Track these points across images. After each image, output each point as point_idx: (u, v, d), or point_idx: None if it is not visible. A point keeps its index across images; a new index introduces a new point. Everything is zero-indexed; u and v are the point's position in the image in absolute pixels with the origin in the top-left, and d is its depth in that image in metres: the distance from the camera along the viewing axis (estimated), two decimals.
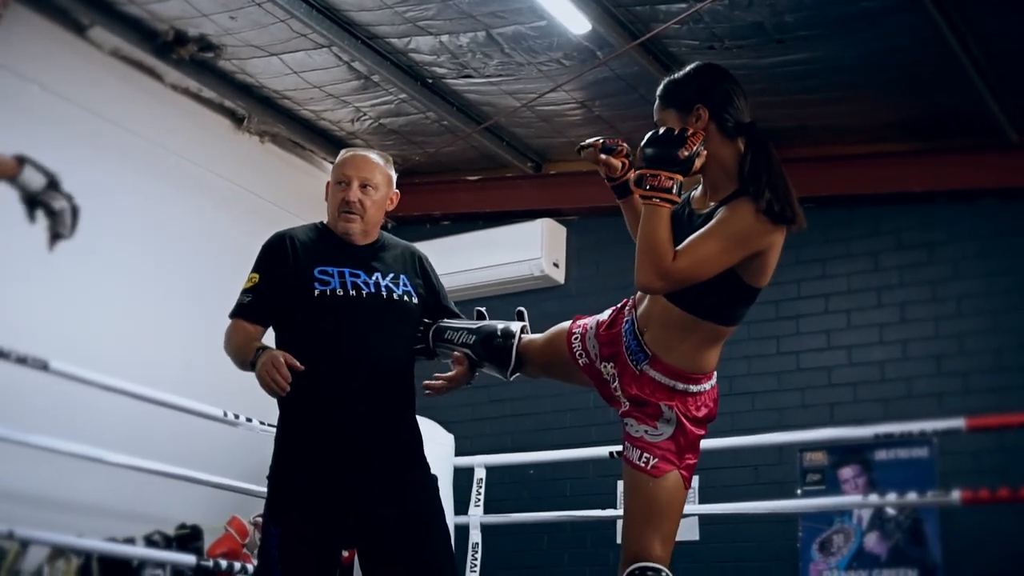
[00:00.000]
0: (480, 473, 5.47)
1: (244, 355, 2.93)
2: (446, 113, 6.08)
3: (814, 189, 5.65)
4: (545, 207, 6.59)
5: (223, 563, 4.79)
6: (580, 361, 2.90)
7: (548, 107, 5.97)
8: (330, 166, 6.78)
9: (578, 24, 5.07)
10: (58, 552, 4.57)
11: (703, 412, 2.73)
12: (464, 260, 6.46)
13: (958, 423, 4.39)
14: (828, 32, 4.91)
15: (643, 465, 2.66)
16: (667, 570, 2.59)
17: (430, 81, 5.84)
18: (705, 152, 2.63)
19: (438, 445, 5.50)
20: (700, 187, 2.80)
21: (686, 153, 2.57)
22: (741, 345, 5.78)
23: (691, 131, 2.62)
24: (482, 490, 5.43)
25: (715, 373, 2.78)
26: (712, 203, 2.69)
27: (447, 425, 5.79)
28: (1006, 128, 5.38)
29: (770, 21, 4.82)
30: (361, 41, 5.45)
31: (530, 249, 6.35)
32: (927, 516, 5.10)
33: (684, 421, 2.67)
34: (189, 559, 4.74)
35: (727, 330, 2.73)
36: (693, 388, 2.70)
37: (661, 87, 2.83)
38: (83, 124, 5.43)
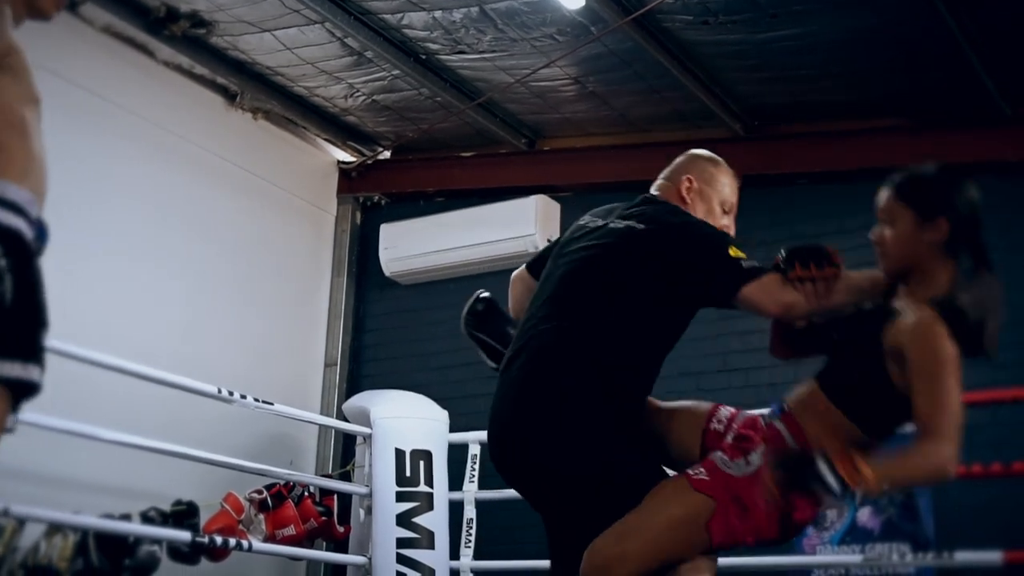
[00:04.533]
0: (474, 449, 5.47)
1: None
2: (439, 89, 6.05)
3: (808, 165, 5.61)
4: (539, 183, 6.55)
5: (219, 539, 4.80)
6: (711, 427, 2.78)
7: (542, 83, 5.94)
8: (324, 143, 6.86)
9: None
10: (55, 528, 4.58)
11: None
12: (458, 237, 6.46)
13: None
14: (822, 7, 4.89)
15: (691, 473, 2.56)
16: None
17: (423, 57, 5.82)
18: None
19: (433, 421, 5.51)
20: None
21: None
22: (735, 321, 5.77)
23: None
24: (476, 466, 5.44)
25: None
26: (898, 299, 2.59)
27: (441, 402, 5.78)
28: (1000, 103, 5.38)
29: None
30: (354, 17, 5.42)
31: (524, 226, 6.32)
32: (920, 491, 5.12)
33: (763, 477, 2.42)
34: (185, 535, 4.75)
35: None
36: None
37: (900, 178, 2.65)
38: (74, 100, 5.39)
